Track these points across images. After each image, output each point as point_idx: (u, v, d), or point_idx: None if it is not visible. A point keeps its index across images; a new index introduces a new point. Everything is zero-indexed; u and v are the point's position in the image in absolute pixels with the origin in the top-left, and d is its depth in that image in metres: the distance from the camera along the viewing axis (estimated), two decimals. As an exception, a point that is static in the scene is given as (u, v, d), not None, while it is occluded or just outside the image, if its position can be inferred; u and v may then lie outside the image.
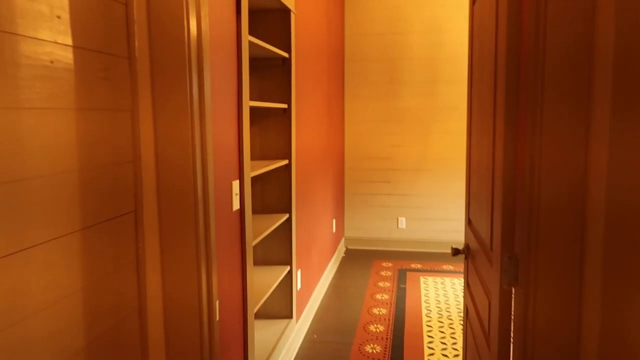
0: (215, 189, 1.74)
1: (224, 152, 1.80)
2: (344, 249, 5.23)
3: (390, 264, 4.71)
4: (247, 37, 2.00)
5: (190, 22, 1.39)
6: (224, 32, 1.79)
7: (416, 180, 5.09)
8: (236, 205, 1.93)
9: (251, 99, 2.80)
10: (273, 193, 2.85)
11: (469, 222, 1.93)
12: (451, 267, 4.62)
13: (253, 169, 2.29)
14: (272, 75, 2.78)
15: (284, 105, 2.73)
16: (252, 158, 2.83)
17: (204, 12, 1.45)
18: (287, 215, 2.82)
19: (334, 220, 4.63)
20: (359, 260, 4.87)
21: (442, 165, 5.02)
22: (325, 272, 4.10)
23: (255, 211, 2.87)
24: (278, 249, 2.89)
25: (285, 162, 2.77)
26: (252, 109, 2.80)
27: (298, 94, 3.07)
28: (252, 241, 2.10)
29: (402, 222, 5.16)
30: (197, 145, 1.43)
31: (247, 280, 2.04)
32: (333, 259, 4.50)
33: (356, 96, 5.10)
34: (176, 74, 1.37)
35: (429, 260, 4.83)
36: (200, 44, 1.43)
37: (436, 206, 5.08)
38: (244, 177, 1.99)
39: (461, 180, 5.00)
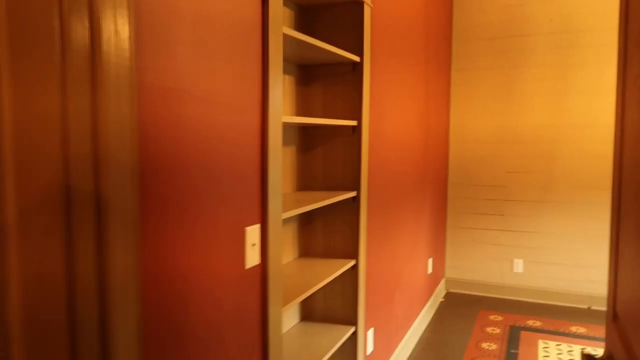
0: (210, 239, 1.21)
1: (231, 183, 1.28)
2: (444, 292, 4.42)
3: (499, 318, 3.81)
4: (279, 30, 1.47)
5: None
6: (235, 20, 1.27)
7: (538, 215, 4.13)
8: (253, 260, 1.39)
9: (313, 114, 2.26)
10: (337, 232, 2.26)
11: (614, 316, 1.16)
12: (583, 330, 3.58)
13: (299, 204, 1.74)
14: (339, 84, 2.22)
15: (353, 123, 2.15)
16: (314, 188, 2.28)
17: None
18: (352, 262, 2.21)
19: (431, 260, 3.88)
20: (460, 308, 4.04)
21: (573, 197, 4.01)
22: (416, 322, 3.38)
23: (316, 254, 2.30)
24: (341, 304, 2.28)
25: (352, 194, 2.17)
26: (313, 128, 2.26)
27: (375, 107, 2.47)
28: (280, 310, 1.53)
29: (519, 265, 4.22)
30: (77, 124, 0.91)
31: (270, 363, 1.47)
32: (428, 305, 3.75)
33: (464, 111, 4.32)
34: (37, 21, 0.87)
35: (552, 316, 3.83)
36: None
37: (564, 248, 4.06)
38: (269, 220, 1.44)
39: (601, 218, 3.93)
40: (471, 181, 4.32)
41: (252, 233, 1.38)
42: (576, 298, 4.05)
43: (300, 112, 2.23)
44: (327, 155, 2.26)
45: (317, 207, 1.81)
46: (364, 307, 2.34)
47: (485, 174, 4.27)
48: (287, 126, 2.12)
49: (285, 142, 2.11)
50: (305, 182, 2.29)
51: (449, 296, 4.33)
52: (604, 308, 3.96)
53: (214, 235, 1.22)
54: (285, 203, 1.79)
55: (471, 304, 4.11)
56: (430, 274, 3.91)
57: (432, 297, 3.93)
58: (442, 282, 4.37)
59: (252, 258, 1.39)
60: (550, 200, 4.08)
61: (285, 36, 1.57)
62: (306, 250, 2.31)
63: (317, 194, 2.09)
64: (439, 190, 4.10)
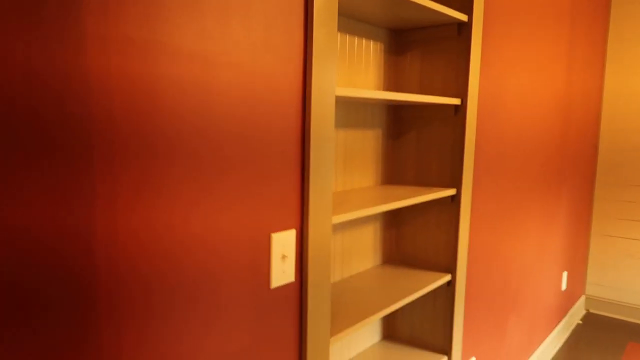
0: (218, 243, 0.90)
1: (247, 174, 0.95)
2: (583, 312, 3.64)
3: (658, 356, 2.97)
4: (333, -31, 1.08)
5: None
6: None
7: None
8: (282, 278, 1.05)
9: (407, 90, 1.83)
10: (429, 238, 1.82)
11: None
12: None
13: (373, 202, 1.35)
14: (439, 53, 1.75)
15: (455, 101, 1.68)
16: (403, 182, 1.86)
17: None
18: (447, 277, 1.75)
19: (565, 273, 3.17)
20: (602, 334, 3.26)
21: None
22: (541, 348, 2.76)
23: (402, 262, 1.89)
24: (430, 327, 1.84)
25: (451, 192, 1.71)
26: (405, 108, 1.84)
27: (488, 81, 1.95)
28: (326, 341, 1.17)
29: (690, 291, 3.27)
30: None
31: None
32: (559, 327, 3.07)
33: (621, 90, 3.44)
34: None
35: None
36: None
37: None
38: (309, 224, 1.09)
39: None
40: (627, 180, 3.45)
41: (283, 241, 1.04)
42: None
43: (390, 87, 1.81)
44: (421, 142, 1.82)
45: (392, 208, 1.40)
46: (461, 333, 1.87)
47: (649, 172, 3.37)
48: (371, 105, 1.73)
49: (369, 125, 1.72)
50: (393, 174, 1.88)
51: (588, 318, 3.54)
52: None
53: (220, 239, 0.91)
54: (355, 200, 1.41)
55: (617, 331, 3.30)
56: (565, 290, 3.20)
57: (566, 318, 3.22)
58: (581, 300, 3.59)
59: (282, 274, 1.05)
60: None
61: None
62: (390, 257, 1.91)
63: (404, 190, 1.68)
64: (583, 189, 3.33)
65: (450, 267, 1.78)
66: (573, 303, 3.43)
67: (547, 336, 2.91)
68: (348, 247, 1.68)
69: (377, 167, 1.79)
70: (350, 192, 1.59)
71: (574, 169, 3.10)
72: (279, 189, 1.02)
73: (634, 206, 3.43)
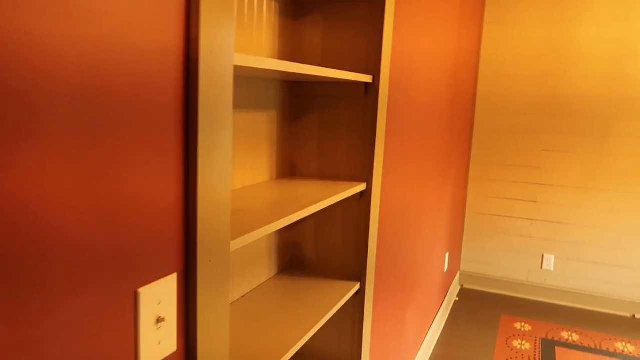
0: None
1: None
2: (458, 288, 3.76)
3: (528, 327, 3.15)
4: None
5: None
6: None
7: (578, 204, 3.41)
8: (158, 350, 0.67)
9: (306, 61, 1.50)
10: (334, 241, 1.54)
11: None
12: (632, 349, 2.93)
13: (272, 210, 1.01)
14: (347, 19, 1.45)
15: (366, 78, 1.39)
16: (304, 175, 1.54)
17: None
18: (356, 286, 1.50)
19: (447, 254, 3.19)
20: (479, 311, 3.38)
21: (625, 184, 3.28)
22: (431, 331, 2.72)
23: (300, 271, 1.59)
24: (338, 342, 1.59)
25: (361, 187, 1.44)
26: (306, 85, 1.51)
27: (400, 54, 1.70)
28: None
29: (550, 262, 3.54)
30: None
31: None
32: (442, 308, 3.09)
33: (496, 72, 3.53)
34: None
35: (591, 327, 3.18)
36: None
37: (607, 245, 3.37)
38: (198, 263, 0.71)
39: (655, 211, 3.22)
40: (499, 159, 3.58)
41: (158, 295, 0.65)
42: (618, 304, 3.39)
43: (285, 57, 1.46)
44: (325, 127, 1.51)
45: (296, 219, 1.08)
46: (369, 343, 1.64)
47: (517, 152, 3.52)
48: (264, 81, 1.36)
49: (262, 105, 1.36)
50: (292, 165, 1.55)
51: (464, 294, 3.66)
52: (651, 318, 3.31)
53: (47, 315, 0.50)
54: (251, 209, 1.05)
55: (491, 306, 3.45)
56: (447, 271, 3.22)
57: (446, 299, 3.26)
58: (457, 277, 3.70)
59: (157, 346, 0.67)
60: (597, 187, 3.35)
61: None
62: (288, 264, 1.60)
63: (306, 187, 1.36)
64: (461, 169, 3.37)
65: (358, 273, 1.53)
66: (452, 281, 3.50)
67: (434, 318, 2.89)
68: (238, 258, 1.32)
69: (272, 157, 1.44)
70: (240, 193, 1.23)
71: (458, 149, 3.09)
72: (148, 211, 0.63)
73: (503, 185, 3.58)
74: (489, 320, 3.23)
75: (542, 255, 3.55)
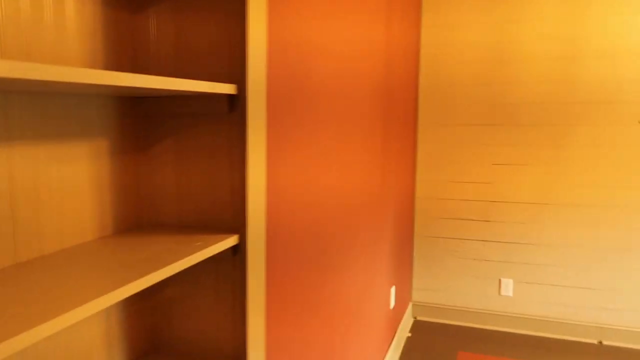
0: None
1: None
2: (411, 321, 3.37)
3: (487, 365, 2.79)
4: None
5: None
6: None
7: (535, 221, 3.11)
8: None
9: (151, 69, 1.08)
10: (200, 317, 1.11)
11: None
12: (601, 385, 2.60)
13: (82, 284, 0.58)
14: (202, 10, 1.04)
15: (228, 89, 0.99)
16: (161, 223, 1.11)
17: None
18: (234, 379, 1.07)
19: (393, 289, 2.80)
20: (434, 348, 2.99)
21: (584, 198, 3.00)
22: (371, 392, 2.30)
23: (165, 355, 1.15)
24: None
25: (230, 241, 1.02)
26: (153, 100, 1.09)
27: (282, 52, 1.31)
28: None
29: (508, 287, 3.21)
30: None
31: None
32: (392, 350, 2.69)
33: (438, 80, 3.21)
34: None
35: (559, 356, 2.84)
36: None
37: (569, 265, 3.07)
38: None
39: (622, 226, 2.94)
40: (447, 176, 3.25)
41: None
42: (583, 330, 3.08)
43: (120, 63, 1.04)
44: (183, 156, 1.10)
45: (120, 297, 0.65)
46: None
47: (465, 167, 3.20)
48: (74, 97, 0.93)
49: (79, 132, 0.93)
50: (142, 211, 1.12)
51: (417, 328, 3.28)
52: (619, 343, 3.01)
53: None
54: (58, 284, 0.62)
55: (447, 341, 3.07)
56: (394, 307, 2.83)
57: (395, 340, 2.87)
58: (409, 309, 3.31)
59: None
60: (553, 202, 3.06)
61: None
62: (148, 351, 1.15)
63: (156, 243, 0.93)
64: (406, 188, 3.01)
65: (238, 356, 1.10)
66: (402, 316, 3.11)
67: (379, 368, 2.48)
68: None
69: (103, 204, 1.01)
70: (30, 267, 0.79)
71: (400, 168, 2.73)
72: None
73: (453, 204, 3.25)
74: (445, 358, 2.85)
75: (500, 280, 3.22)
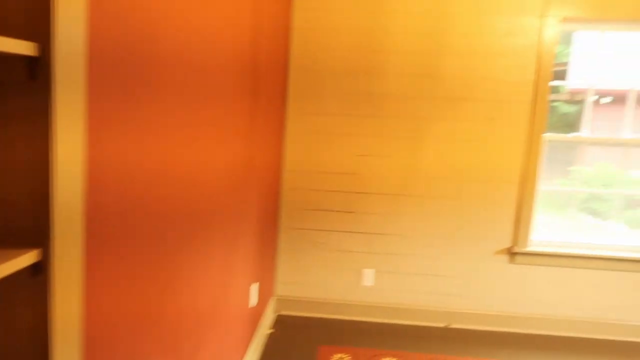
0: None
1: None
2: (273, 317, 3.25)
3: (347, 357, 2.78)
4: None
5: None
6: None
7: (395, 212, 3.18)
8: None
9: None
10: None
11: None
12: (450, 368, 2.74)
13: None
14: None
15: (26, 49, 0.70)
16: None
17: None
18: None
19: (256, 285, 2.63)
20: (295, 343, 2.91)
21: (436, 188, 3.14)
22: (229, 400, 2.11)
23: None
24: None
25: (24, 258, 0.74)
26: None
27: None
28: None
29: (370, 277, 3.25)
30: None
31: None
32: (252, 349, 2.52)
33: (307, 68, 3.09)
34: None
35: (410, 347, 2.95)
36: None
37: (422, 254, 3.20)
38: None
39: (470, 218, 3.13)
40: (313, 166, 3.17)
41: None
42: (434, 315, 3.25)
43: None
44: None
45: None
46: None
47: (331, 157, 3.15)
48: None
49: None
50: None
51: (280, 323, 3.17)
52: (465, 326, 3.23)
53: None
54: None
55: (309, 335, 3.01)
56: (256, 306, 2.67)
57: (257, 336, 2.71)
58: (271, 303, 3.19)
59: None
60: (413, 193, 3.15)
61: None
62: None
63: None
64: (273, 179, 2.85)
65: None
66: (263, 312, 2.97)
67: (238, 372, 2.30)
68: None
69: None
70: None
71: (267, 156, 2.55)
72: None
73: (319, 195, 3.18)
74: (306, 355, 2.78)
75: (362, 271, 3.25)
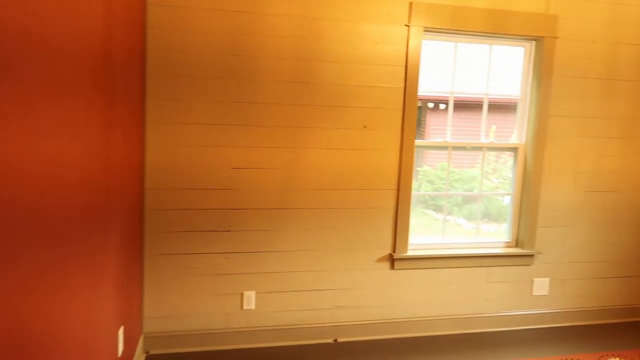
0: None
1: None
2: (142, 358, 2.80)
3: (235, 394, 2.48)
4: None
5: None
6: None
7: (275, 227, 2.97)
8: None
9: None
10: None
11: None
12: (344, 387, 2.61)
13: None
14: None
15: None
16: None
17: None
18: None
19: (121, 329, 2.19)
20: (173, 388, 2.51)
21: (317, 199, 3.01)
22: None
23: None
24: None
25: None
26: None
27: None
28: None
29: (250, 300, 2.99)
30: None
31: None
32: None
33: (167, 74, 2.73)
34: None
35: (301, 370, 2.75)
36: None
37: (307, 269, 3.04)
38: None
39: (351, 227, 3.06)
40: (179, 183, 2.81)
41: None
42: (320, 331, 3.11)
43: None
44: None
45: None
46: None
47: (202, 171, 2.82)
48: None
49: None
50: None
51: (150, 365, 2.73)
52: (352, 338, 3.15)
53: None
54: None
55: (188, 375, 2.64)
56: (124, 351, 2.23)
57: (126, 389, 2.26)
58: (140, 342, 2.73)
59: None
60: (290, 206, 2.98)
61: None
62: None
63: None
64: (132, 200, 2.43)
65: None
66: (132, 356, 2.51)
67: None
68: None
69: None
70: None
71: (124, 173, 2.13)
72: None
73: (190, 214, 2.83)
74: (187, 400, 2.41)
75: (242, 294, 2.97)
